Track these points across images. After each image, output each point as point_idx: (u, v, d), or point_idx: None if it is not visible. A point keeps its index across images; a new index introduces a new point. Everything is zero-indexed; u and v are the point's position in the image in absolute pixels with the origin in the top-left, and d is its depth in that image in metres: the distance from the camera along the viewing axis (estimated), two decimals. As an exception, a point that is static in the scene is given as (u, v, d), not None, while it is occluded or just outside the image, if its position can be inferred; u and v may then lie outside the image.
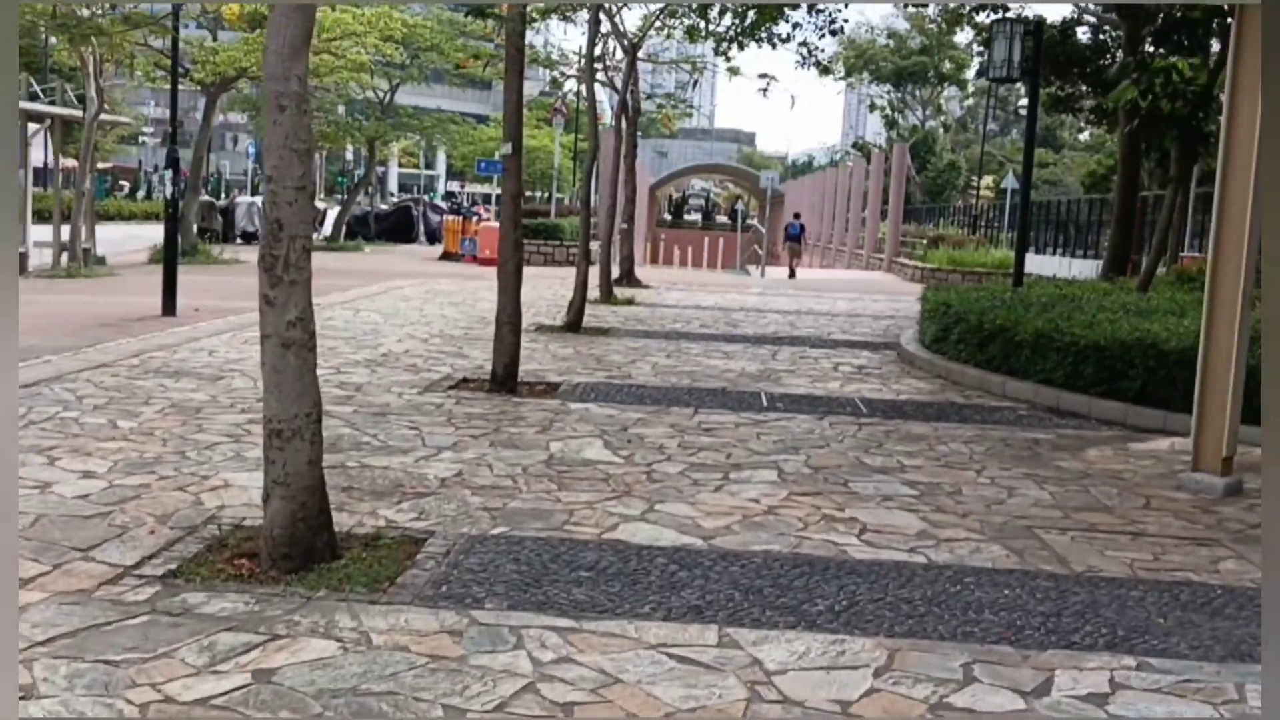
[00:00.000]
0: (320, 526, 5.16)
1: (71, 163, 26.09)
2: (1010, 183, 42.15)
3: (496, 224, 19.03)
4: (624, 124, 21.90)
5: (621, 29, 20.89)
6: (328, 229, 37.80)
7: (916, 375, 12.31)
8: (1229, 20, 8.64)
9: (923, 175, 62.77)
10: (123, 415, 8.19)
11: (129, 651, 4.13)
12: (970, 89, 70.55)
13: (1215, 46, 17.35)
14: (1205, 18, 16.56)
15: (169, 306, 15.08)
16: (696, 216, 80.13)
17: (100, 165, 41.64)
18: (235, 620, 4.46)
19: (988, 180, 61.77)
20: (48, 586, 4.73)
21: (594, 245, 18.24)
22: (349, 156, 65.85)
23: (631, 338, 14.53)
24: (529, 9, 15.05)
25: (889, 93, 70.56)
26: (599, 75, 21.57)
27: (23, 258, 19.77)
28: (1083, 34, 24.53)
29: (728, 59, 22.72)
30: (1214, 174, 7.89)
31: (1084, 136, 65.98)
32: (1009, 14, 20.05)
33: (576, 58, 26.32)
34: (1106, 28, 23.92)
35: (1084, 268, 28.65)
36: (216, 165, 65.43)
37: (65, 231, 21.60)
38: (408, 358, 11.83)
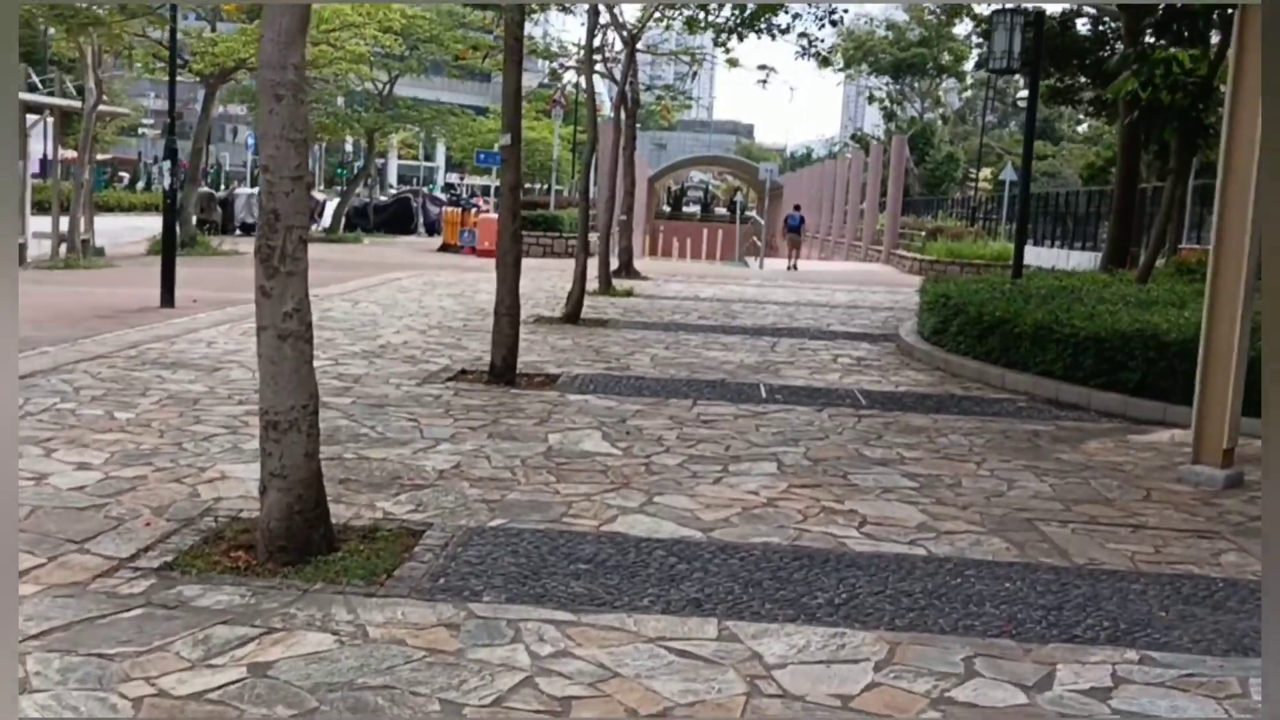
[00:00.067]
0: (317, 519, 5.13)
1: (72, 154, 26.02)
2: (1009, 174, 42.08)
3: (495, 216, 18.99)
4: (623, 116, 21.83)
5: (620, 20, 20.82)
6: (327, 220, 37.73)
7: (916, 367, 12.28)
8: (1230, 11, 8.61)
9: (921, 167, 62.68)
10: (119, 407, 8.16)
11: (123, 645, 4.10)
12: (969, 81, 70.43)
13: (1215, 38, 17.30)
14: (1205, 9, 16.52)
15: (167, 298, 15.05)
16: (695, 208, 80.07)
17: (100, 157, 41.55)
18: (231, 613, 4.43)
19: (986, 172, 61.72)
20: (42, 579, 4.70)
21: (593, 237, 18.19)
22: (348, 148, 65.71)
23: (630, 329, 14.50)
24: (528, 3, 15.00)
25: (888, 85, 70.45)
26: (598, 67, 21.49)
27: (21, 249, 19.72)
28: (1082, 25, 24.49)
29: (727, 50, 22.66)
30: (1213, 166, 7.87)
31: (1082, 129, 65.93)
32: (1009, 5, 19.98)
33: (576, 49, 26.24)
34: (1106, 19, 23.86)
35: (1082, 260, 28.59)
36: (216, 157, 65.33)
37: (64, 223, 21.55)
38: (406, 349, 11.79)
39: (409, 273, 22.72)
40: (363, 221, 40.04)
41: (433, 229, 40.55)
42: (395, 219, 42.21)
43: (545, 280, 20.99)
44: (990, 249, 30.54)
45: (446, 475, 6.70)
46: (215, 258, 24.77)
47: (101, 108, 22.52)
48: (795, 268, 33.31)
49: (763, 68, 21.72)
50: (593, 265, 17.80)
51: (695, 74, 28.28)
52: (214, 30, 31.15)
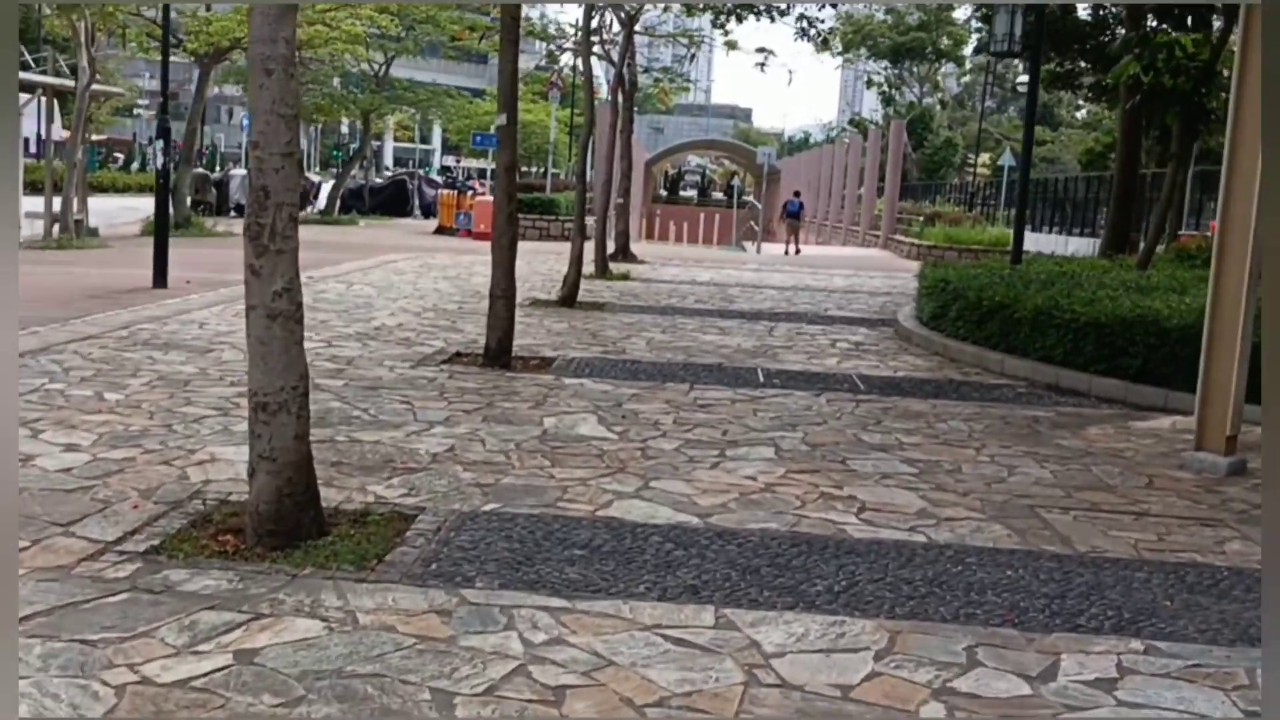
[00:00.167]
0: (307, 502, 5.03)
1: (67, 133, 25.85)
2: (1007, 160, 42.02)
3: (491, 198, 18.85)
4: (620, 98, 21.68)
5: (618, 1, 20.66)
6: (322, 202, 37.55)
7: (914, 352, 12.19)
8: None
9: (919, 152, 62.55)
10: (109, 388, 8.06)
11: (107, 630, 4.00)
12: (968, 66, 70.33)
13: (1218, 22, 17.18)
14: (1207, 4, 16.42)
15: (160, 278, 14.93)
16: (692, 193, 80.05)
17: (95, 137, 41.34)
18: (218, 598, 4.34)
19: (984, 158, 61.64)
20: (26, 562, 4.60)
21: (589, 220, 18.08)
22: (344, 130, 65.48)
23: (626, 313, 14.40)
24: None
25: (886, 69, 70.31)
26: (595, 49, 21.32)
27: (13, 229, 19.56)
28: (1083, 9, 24.33)
29: (725, 32, 22.54)
30: (1214, 152, 7.79)
31: (1081, 114, 65.83)
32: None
33: (573, 30, 26.10)
34: (1107, 3, 23.71)
35: (1081, 245, 28.51)
36: (212, 138, 65.11)
37: (57, 203, 21.40)
38: (400, 331, 11.69)
39: (404, 255, 22.61)
40: (358, 203, 39.87)
41: (428, 211, 40.39)
42: (391, 201, 42.05)
43: (541, 263, 20.88)
44: (988, 234, 30.47)
45: (440, 459, 6.61)
46: (209, 239, 24.61)
47: (95, 87, 22.32)
48: (799, 251, 33.22)
49: (761, 51, 21.57)
50: (589, 249, 17.70)
51: (693, 56, 28.07)
52: (209, 9, 30.94)
